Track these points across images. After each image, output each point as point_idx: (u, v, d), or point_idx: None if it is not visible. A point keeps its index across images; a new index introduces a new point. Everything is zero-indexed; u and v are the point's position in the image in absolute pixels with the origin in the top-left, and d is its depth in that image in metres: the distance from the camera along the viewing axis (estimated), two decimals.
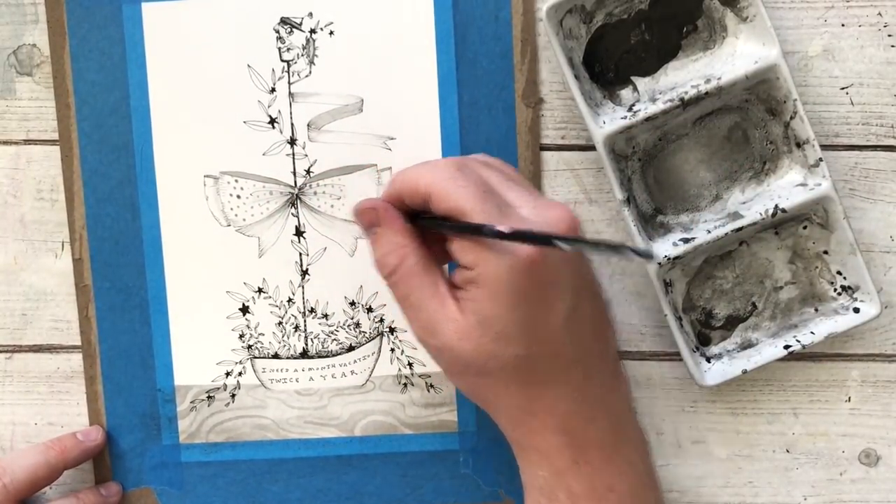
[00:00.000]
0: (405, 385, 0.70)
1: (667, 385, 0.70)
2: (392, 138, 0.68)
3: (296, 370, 0.70)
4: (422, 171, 0.59)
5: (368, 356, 0.70)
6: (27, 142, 0.69)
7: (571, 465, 0.60)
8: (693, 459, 0.70)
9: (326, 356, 0.70)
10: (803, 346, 0.66)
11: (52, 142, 0.69)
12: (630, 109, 0.65)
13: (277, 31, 0.67)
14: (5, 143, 0.69)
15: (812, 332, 0.67)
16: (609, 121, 0.64)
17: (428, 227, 0.60)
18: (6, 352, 0.71)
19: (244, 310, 0.70)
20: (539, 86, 0.67)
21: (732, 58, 0.65)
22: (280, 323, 0.70)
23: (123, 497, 0.71)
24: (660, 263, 0.65)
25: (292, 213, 0.69)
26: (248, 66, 0.67)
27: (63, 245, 0.70)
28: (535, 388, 0.60)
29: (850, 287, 0.66)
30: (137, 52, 0.67)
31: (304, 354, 0.70)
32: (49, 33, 0.67)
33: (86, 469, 0.71)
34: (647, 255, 0.51)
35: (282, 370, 0.70)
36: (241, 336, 0.70)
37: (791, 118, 0.64)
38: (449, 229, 0.58)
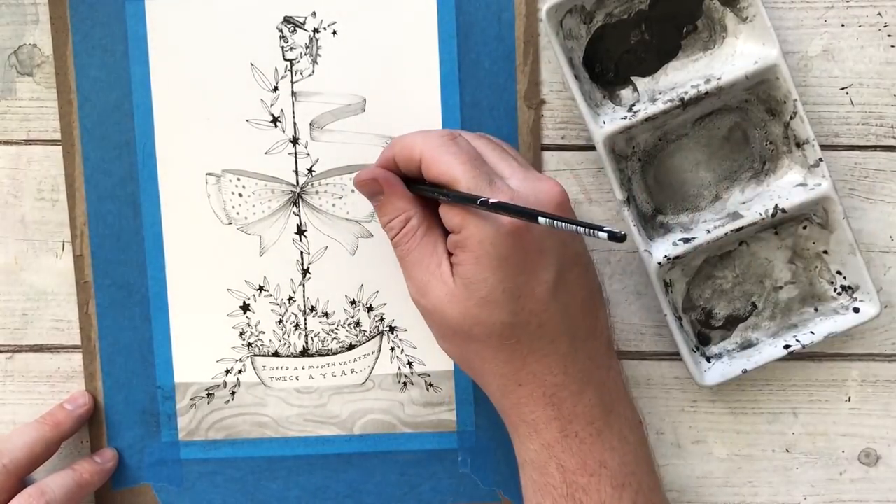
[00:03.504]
0: (404, 384, 0.70)
1: (667, 385, 0.70)
2: (394, 138, 0.68)
3: (296, 368, 0.70)
4: (416, 137, 0.61)
5: (368, 355, 0.70)
6: (28, 142, 0.69)
7: (561, 439, 0.61)
8: (693, 459, 0.70)
9: (326, 354, 0.70)
10: (803, 346, 0.66)
11: (52, 142, 0.69)
12: (630, 109, 0.65)
13: (281, 30, 0.67)
14: (6, 143, 0.69)
15: (812, 332, 0.67)
16: (609, 121, 0.64)
17: (420, 194, 0.62)
18: (7, 352, 0.71)
19: (245, 308, 0.70)
20: (540, 87, 0.68)
21: (732, 58, 0.65)
22: (280, 321, 0.70)
23: (122, 494, 0.71)
24: (660, 263, 0.65)
25: (294, 212, 0.69)
26: (251, 64, 0.67)
27: (64, 245, 0.70)
28: (521, 358, 0.61)
29: (849, 287, 0.67)
30: (140, 49, 0.67)
31: (305, 353, 0.70)
32: (52, 30, 0.67)
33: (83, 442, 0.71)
34: (621, 238, 0.51)
35: (282, 368, 0.70)
36: (242, 334, 0.70)
37: (791, 118, 0.64)
38: (439, 195, 0.60)
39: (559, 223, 0.54)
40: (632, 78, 0.67)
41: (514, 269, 0.58)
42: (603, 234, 0.51)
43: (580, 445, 0.61)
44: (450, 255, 0.60)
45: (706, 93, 0.64)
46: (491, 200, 0.56)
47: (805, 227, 0.67)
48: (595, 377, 0.62)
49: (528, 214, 0.55)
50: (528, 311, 0.59)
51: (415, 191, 0.62)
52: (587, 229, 0.52)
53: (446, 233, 0.61)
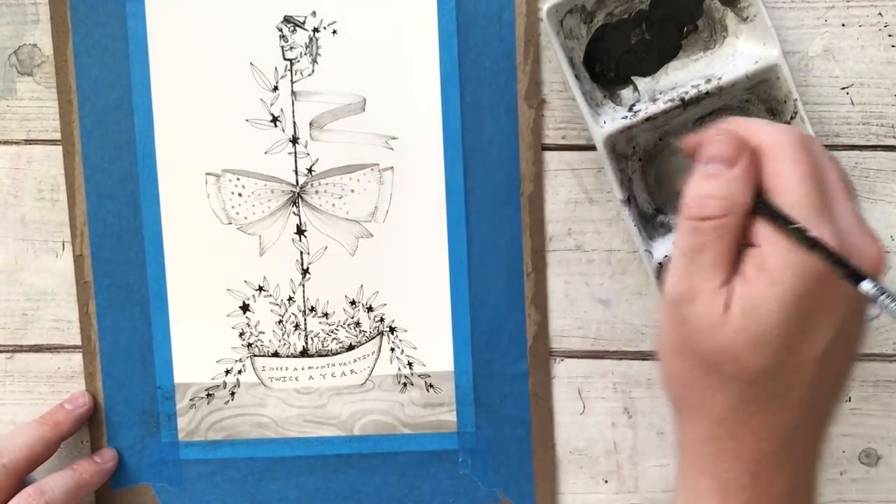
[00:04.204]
0: (404, 385, 0.70)
1: None
2: (394, 138, 0.68)
3: (295, 369, 0.70)
4: (762, 125, 0.52)
5: (368, 355, 0.70)
6: (28, 142, 0.69)
7: None
8: None
9: (326, 355, 0.70)
10: None
11: (52, 142, 0.69)
12: (630, 109, 0.65)
13: (280, 30, 0.67)
14: (6, 142, 0.69)
15: None
16: (609, 121, 0.64)
17: (761, 212, 0.51)
18: (7, 352, 0.71)
19: (244, 308, 0.70)
20: (541, 86, 0.68)
21: (733, 58, 0.65)
22: (280, 321, 0.70)
23: (122, 494, 0.71)
24: (660, 263, 0.65)
25: (294, 212, 0.69)
26: (251, 64, 0.67)
27: (64, 245, 0.70)
28: (751, 413, 0.52)
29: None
30: (140, 48, 0.67)
31: (304, 353, 0.70)
32: (52, 29, 0.68)
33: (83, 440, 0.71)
34: None
35: (281, 368, 0.70)
36: (242, 334, 0.70)
37: (791, 118, 0.64)
38: (772, 217, 0.50)
39: (887, 300, 0.47)
40: (632, 78, 0.67)
41: (802, 315, 0.50)
42: None
43: None
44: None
45: (707, 93, 0.64)
46: (813, 234, 0.48)
47: None
48: (802, 465, 0.54)
49: (852, 271, 0.48)
50: (789, 366, 0.51)
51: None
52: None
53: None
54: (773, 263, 0.49)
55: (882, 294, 0.47)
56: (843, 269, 0.48)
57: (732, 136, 0.51)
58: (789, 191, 0.49)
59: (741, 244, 0.51)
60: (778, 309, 0.49)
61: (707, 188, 0.51)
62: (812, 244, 0.48)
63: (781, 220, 0.49)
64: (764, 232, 0.50)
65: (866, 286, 0.47)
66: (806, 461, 0.54)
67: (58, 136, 0.69)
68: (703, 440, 0.54)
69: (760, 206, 0.50)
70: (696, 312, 0.51)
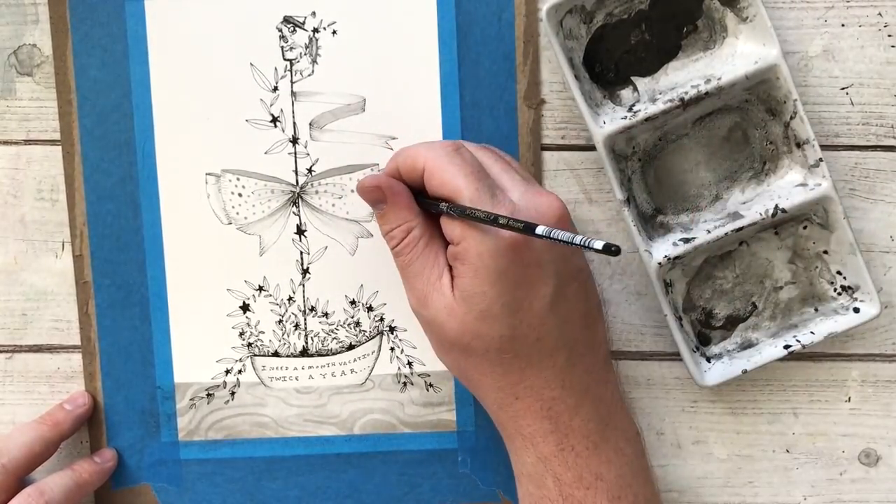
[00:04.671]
0: (404, 384, 0.70)
1: (667, 385, 0.70)
2: (394, 138, 0.68)
3: (295, 368, 0.70)
4: (420, 149, 0.61)
5: (368, 355, 0.70)
6: (27, 142, 0.69)
7: (557, 452, 0.62)
8: (693, 459, 0.70)
9: (326, 354, 0.70)
10: (803, 346, 0.66)
11: (52, 142, 0.69)
12: (630, 109, 0.65)
13: (280, 30, 0.67)
14: (5, 143, 0.69)
15: (812, 332, 0.67)
16: (609, 121, 0.64)
17: (424, 208, 0.62)
18: (6, 352, 0.71)
19: (244, 308, 0.70)
20: (540, 87, 0.68)
21: (732, 58, 0.65)
22: (280, 321, 0.70)
23: (122, 494, 0.71)
24: (660, 263, 0.65)
25: (293, 212, 0.69)
26: (251, 64, 0.67)
27: (63, 245, 0.70)
28: (519, 371, 0.61)
29: (850, 287, 0.66)
30: (140, 49, 0.67)
31: (304, 353, 0.70)
32: (51, 30, 0.67)
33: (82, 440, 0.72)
34: (615, 252, 0.51)
35: (281, 368, 0.70)
36: (242, 334, 0.70)
37: (791, 118, 0.64)
38: (442, 209, 0.60)
39: (556, 234, 0.54)
40: (632, 78, 0.67)
41: (512, 283, 0.58)
42: (598, 245, 0.52)
43: (576, 459, 0.62)
44: (450, 267, 0.61)
45: (706, 93, 0.64)
46: (487, 210, 0.56)
47: (805, 227, 0.67)
48: (592, 391, 0.63)
49: (525, 227, 0.55)
50: (526, 324, 0.59)
51: (419, 203, 0.62)
52: (583, 242, 0.53)
53: (446, 245, 0.61)
54: (471, 253, 0.58)
55: (551, 234, 0.54)
56: (517, 228, 0.56)
57: (374, 179, 0.62)
58: (462, 190, 0.58)
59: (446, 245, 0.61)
60: (490, 288, 0.58)
61: (384, 225, 0.62)
62: (491, 219, 0.56)
63: (459, 213, 0.58)
64: (455, 231, 0.59)
65: (540, 230, 0.54)
66: (593, 388, 0.63)
67: (57, 136, 0.69)
68: (497, 410, 0.63)
69: (445, 210, 0.59)
70: (433, 309, 0.60)
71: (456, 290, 0.59)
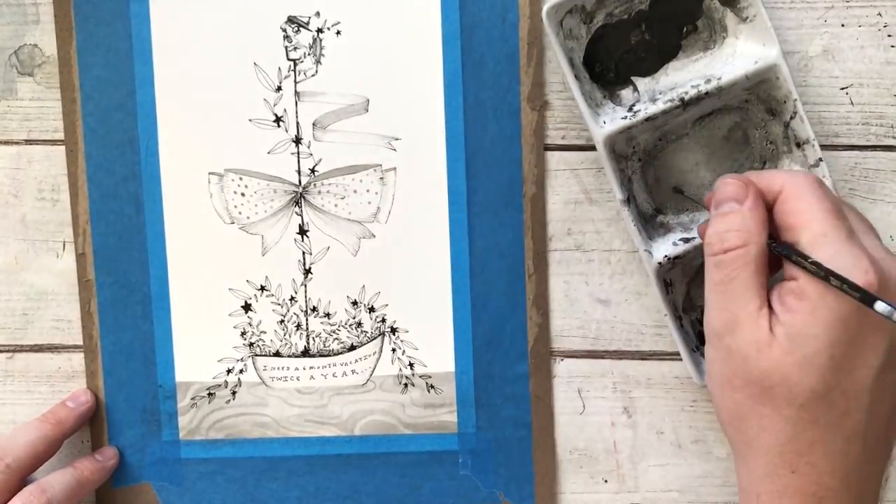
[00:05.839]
0: (405, 385, 0.70)
1: (667, 385, 0.70)
2: (397, 139, 0.68)
3: (297, 368, 0.70)
4: (780, 173, 0.57)
5: (369, 356, 0.70)
6: (28, 142, 0.69)
7: None
8: (693, 459, 0.70)
9: (327, 355, 0.70)
10: None
11: (53, 142, 0.69)
12: (630, 109, 0.65)
13: (284, 30, 0.67)
14: (6, 143, 0.70)
15: None
16: (609, 121, 0.65)
17: (774, 252, 0.56)
18: (7, 352, 0.71)
19: (246, 307, 0.70)
20: (544, 88, 0.68)
21: (732, 58, 0.66)
22: (282, 321, 0.70)
23: (123, 493, 0.71)
24: (660, 263, 0.65)
25: (296, 212, 0.69)
26: (255, 64, 0.68)
27: (64, 245, 0.70)
28: (809, 442, 0.54)
29: None
30: (144, 48, 0.68)
31: (306, 353, 0.70)
32: (56, 28, 0.68)
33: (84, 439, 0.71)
34: None
35: (283, 368, 0.70)
36: (243, 333, 0.70)
37: (791, 118, 0.65)
38: (794, 259, 0.54)
39: None
40: (632, 78, 0.67)
41: (848, 336, 0.52)
42: None
43: None
44: (769, 305, 0.55)
45: (706, 93, 0.64)
46: (826, 265, 0.52)
47: None
48: (866, 488, 0.56)
49: (864, 295, 0.51)
50: (841, 390, 0.53)
51: (770, 247, 0.57)
52: None
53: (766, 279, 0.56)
54: (812, 291, 0.52)
55: (893, 314, 0.49)
56: (857, 293, 0.51)
57: (737, 179, 0.57)
58: (816, 222, 0.53)
59: (774, 279, 0.56)
60: (823, 332, 0.52)
61: (724, 224, 0.56)
62: (826, 275, 0.51)
63: (800, 259, 0.53)
64: (797, 269, 0.53)
65: (880, 307, 0.49)
66: (866, 497, 0.55)
67: (58, 136, 0.69)
68: (763, 477, 0.55)
69: (783, 249, 0.54)
70: (741, 339, 0.54)
71: (779, 327, 0.53)
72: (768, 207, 0.57)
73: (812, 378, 0.52)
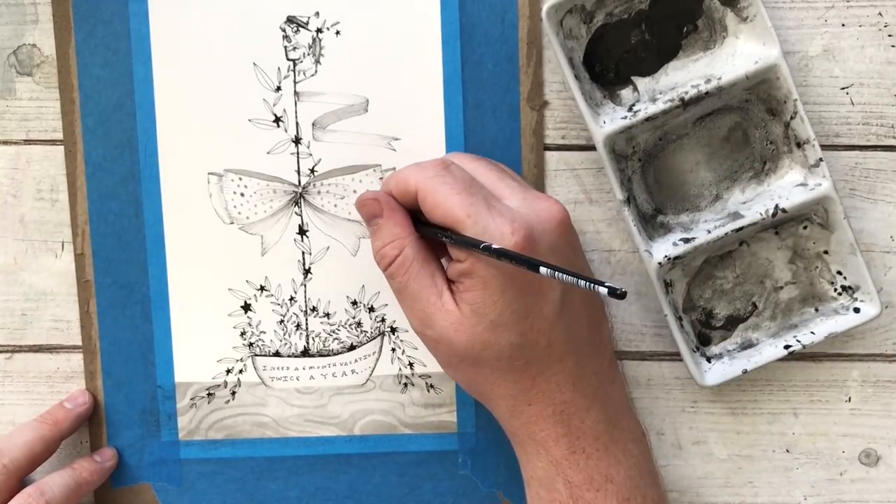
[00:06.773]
0: (405, 385, 0.70)
1: (667, 385, 0.70)
2: (397, 139, 0.68)
3: (296, 368, 0.70)
4: (410, 171, 0.61)
5: (369, 355, 0.70)
6: (27, 142, 0.69)
7: (568, 455, 0.62)
8: (693, 459, 0.70)
9: (327, 355, 0.70)
10: (803, 346, 0.67)
11: (52, 142, 0.69)
12: (630, 109, 0.65)
13: (284, 30, 0.67)
14: (5, 143, 0.69)
15: (812, 332, 0.67)
16: (609, 121, 0.65)
17: (425, 235, 0.62)
18: (6, 352, 0.71)
19: (246, 307, 0.70)
20: (543, 88, 0.68)
21: (732, 58, 0.66)
22: (281, 321, 0.70)
23: (122, 493, 0.71)
24: (660, 263, 0.65)
25: (296, 212, 0.69)
26: (254, 64, 0.68)
27: (63, 245, 0.70)
28: (530, 378, 0.61)
29: (850, 287, 0.67)
30: (143, 47, 0.67)
31: (305, 353, 0.70)
32: (54, 28, 0.68)
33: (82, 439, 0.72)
34: (621, 296, 0.51)
35: (282, 368, 0.70)
36: (243, 334, 0.70)
37: (791, 118, 0.64)
38: (443, 237, 0.60)
39: (560, 276, 0.54)
40: (632, 78, 0.67)
41: (521, 289, 0.59)
42: (603, 290, 0.51)
43: (587, 461, 0.62)
44: (449, 283, 0.61)
45: (706, 93, 0.64)
46: (493, 246, 0.56)
47: (805, 227, 0.67)
48: (601, 392, 0.63)
49: (530, 264, 0.55)
50: (535, 330, 0.60)
51: (420, 231, 0.62)
52: (588, 283, 0.52)
53: (440, 264, 0.62)
54: (478, 268, 0.58)
55: (555, 274, 0.54)
56: (524, 263, 0.55)
57: (370, 196, 0.62)
58: (456, 208, 0.58)
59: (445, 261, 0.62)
60: (500, 297, 0.58)
61: (378, 241, 0.62)
62: (497, 253, 0.56)
63: (468, 246, 0.58)
64: (461, 250, 0.59)
65: (543, 271, 0.54)
66: (602, 389, 0.63)
67: (57, 136, 0.69)
68: (510, 418, 0.63)
69: (450, 240, 0.59)
70: (439, 327, 0.60)
71: (463, 305, 0.59)
72: (413, 203, 0.61)
73: (506, 335, 0.59)
